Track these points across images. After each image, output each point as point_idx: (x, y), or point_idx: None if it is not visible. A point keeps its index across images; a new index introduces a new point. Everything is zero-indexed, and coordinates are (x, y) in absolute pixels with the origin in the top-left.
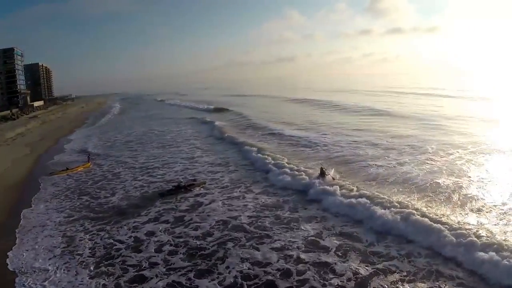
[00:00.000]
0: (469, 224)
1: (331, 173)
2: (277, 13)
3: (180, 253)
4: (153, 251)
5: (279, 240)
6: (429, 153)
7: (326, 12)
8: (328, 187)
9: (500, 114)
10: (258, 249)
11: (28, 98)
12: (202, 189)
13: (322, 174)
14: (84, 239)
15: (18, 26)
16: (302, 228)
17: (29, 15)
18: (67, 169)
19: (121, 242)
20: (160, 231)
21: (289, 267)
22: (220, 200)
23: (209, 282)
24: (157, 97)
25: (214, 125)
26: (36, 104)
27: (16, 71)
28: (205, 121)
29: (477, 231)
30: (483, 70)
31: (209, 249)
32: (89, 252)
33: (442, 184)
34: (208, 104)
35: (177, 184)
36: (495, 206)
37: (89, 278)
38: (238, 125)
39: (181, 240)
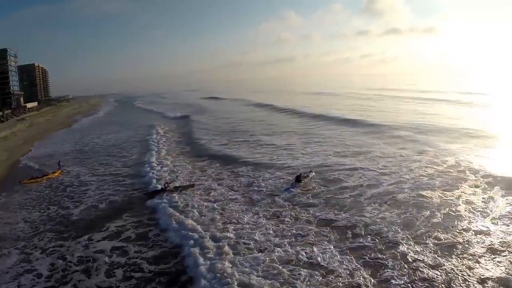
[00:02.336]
0: None
1: (306, 180)
2: (274, 14)
3: (134, 278)
4: (105, 275)
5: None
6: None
7: (323, 13)
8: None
9: (489, 127)
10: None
11: (22, 99)
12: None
13: (298, 180)
14: (40, 258)
15: (16, 28)
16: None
17: (27, 17)
18: (37, 177)
19: (76, 264)
20: (118, 250)
21: None
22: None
23: None
24: (142, 99)
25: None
26: (29, 105)
27: (9, 72)
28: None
29: None
30: (481, 70)
31: (171, 273)
32: (45, 276)
33: None
34: (180, 108)
35: (164, 185)
36: None
37: None
38: (178, 136)
39: (138, 261)
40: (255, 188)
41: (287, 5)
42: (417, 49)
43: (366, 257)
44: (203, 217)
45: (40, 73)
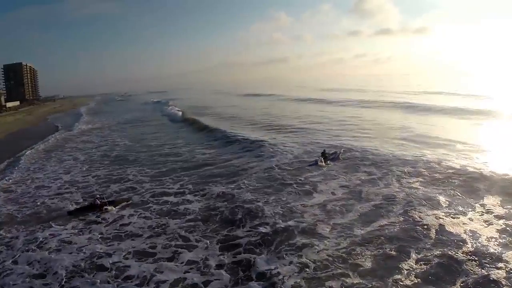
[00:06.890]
0: None
1: (332, 157)
2: (264, 15)
3: None
4: None
5: None
6: None
7: (312, 14)
8: None
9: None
10: None
11: (3, 98)
12: (125, 208)
13: (324, 156)
14: None
15: (10, 29)
16: None
17: (21, 18)
18: None
19: None
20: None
21: None
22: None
23: None
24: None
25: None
26: (9, 104)
27: None
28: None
29: None
30: (474, 70)
31: None
32: None
33: None
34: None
35: (93, 201)
36: None
37: None
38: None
39: None
40: None
41: (277, 5)
42: (410, 49)
43: None
44: None
45: (28, 72)
